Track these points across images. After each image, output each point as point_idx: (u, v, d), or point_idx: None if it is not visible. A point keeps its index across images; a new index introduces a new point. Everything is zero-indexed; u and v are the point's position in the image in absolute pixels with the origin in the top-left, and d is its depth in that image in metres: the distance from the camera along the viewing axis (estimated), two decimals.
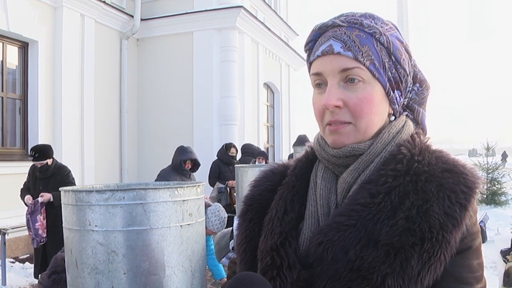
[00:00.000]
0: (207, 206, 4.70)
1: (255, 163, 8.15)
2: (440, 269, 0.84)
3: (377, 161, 0.94)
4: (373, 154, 0.95)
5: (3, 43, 7.56)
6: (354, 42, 0.93)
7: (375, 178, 0.91)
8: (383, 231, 0.85)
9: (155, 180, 5.90)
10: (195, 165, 6.12)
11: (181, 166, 5.90)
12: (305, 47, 1.05)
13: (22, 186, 5.96)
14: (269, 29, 12.18)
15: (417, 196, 0.87)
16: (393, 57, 0.96)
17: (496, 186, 12.11)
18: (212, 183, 7.67)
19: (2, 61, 7.59)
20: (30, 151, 5.69)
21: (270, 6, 13.42)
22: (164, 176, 5.88)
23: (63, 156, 8.15)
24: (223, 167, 7.80)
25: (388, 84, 0.96)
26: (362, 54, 0.92)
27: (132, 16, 10.16)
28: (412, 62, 1.02)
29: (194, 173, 6.32)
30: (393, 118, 1.01)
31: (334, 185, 0.99)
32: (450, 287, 0.86)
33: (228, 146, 8.08)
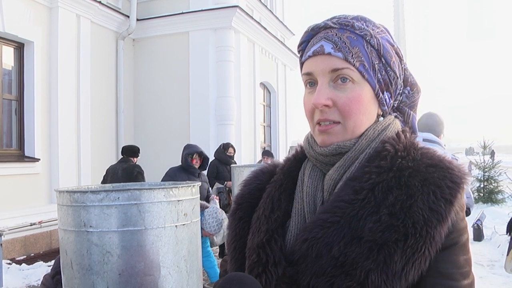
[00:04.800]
0: (204, 207, 4.69)
1: (261, 162, 8.13)
2: (425, 264, 0.85)
3: (361, 158, 0.96)
4: (358, 151, 0.96)
5: None
6: (345, 43, 0.95)
7: (359, 175, 0.92)
8: (366, 227, 0.87)
9: (162, 178, 5.87)
10: (204, 161, 6.03)
11: (188, 162, 5.83)
12: (298, 47, 1.07)
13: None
14: (265, 28, 12.19)
15: (400, 191, 0.88)
16: (383, 59, 0.98)
17: (493, 184, 12.15)
18: (210, 184, 7.65)
19: None
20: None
21: (266, 6, 13.42)
22: (171, 174, 5.84)
23: (60, 156, 8.16)
24: (221, 167, 7.78)
25: (377, 86, 0.97)
26: (352, 55, 0.94)
27: (128, 16, 10.15)
28: (403, 66, 1.03)
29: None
30: (381, 119, 1.02)
31: (321, 183, 1.00)
32: (436, 283, 0.87)
33: (226, 146, 8.06)
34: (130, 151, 7.07)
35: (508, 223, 5.54)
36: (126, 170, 6.70)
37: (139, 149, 7.22)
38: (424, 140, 3.70)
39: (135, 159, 7.04)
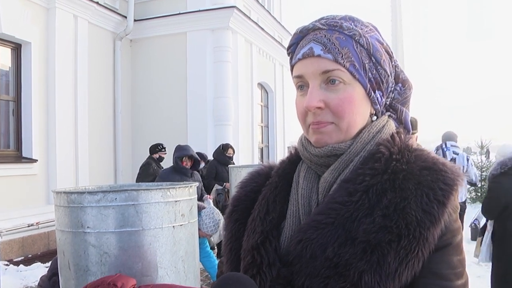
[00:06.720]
0: (201, 208, 4.69)
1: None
2: (418, 265, 0.86)
3: (356, 160, 0.96)
4: (353, 154, 0.97)
5: None
6: (334, 45, 0.95)
7: (353, 177, 0.93)
8: (360, 228, 0.87)
9: (156, 181, 5.86)
10: (196, 162, 6.03)
11: (179, 165, 5.82)
12: (287, 50, 1.07)
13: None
14: (262, 29, 12.19)
15: (394, 194, 0.89)
16: (373, 58, 0.98)
17: None
18: (209, 185, 7.64)
19: None
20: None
21: (263, 6, 13.43)
22: (163, 176, 5.83)
23: (57, 157, 8.14)
24: (220, 168, 7.77)
25: (368, 85, 0.98)
26: (342, 56, 0.94)
27: (126, 17, 10.14)
28: (393, 63, 1.04)
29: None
30: (375, 118, 1.03)
31: (316, 185, 1.00)
32: (430, 283, 0.88)
33: (225, 147, 8.04)
34: (150, 150, 7.92)
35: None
36: (141, 167, 7.69)
37: (156, 145, 7.90)
38: (452, 146, 6.05)
39: (156, 155, 7.81)
